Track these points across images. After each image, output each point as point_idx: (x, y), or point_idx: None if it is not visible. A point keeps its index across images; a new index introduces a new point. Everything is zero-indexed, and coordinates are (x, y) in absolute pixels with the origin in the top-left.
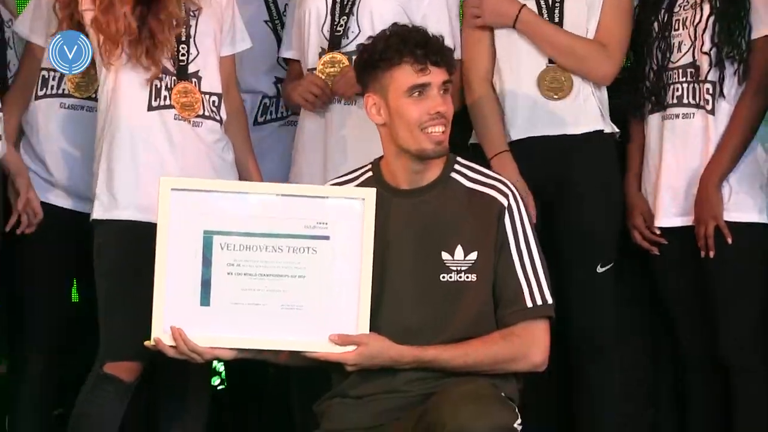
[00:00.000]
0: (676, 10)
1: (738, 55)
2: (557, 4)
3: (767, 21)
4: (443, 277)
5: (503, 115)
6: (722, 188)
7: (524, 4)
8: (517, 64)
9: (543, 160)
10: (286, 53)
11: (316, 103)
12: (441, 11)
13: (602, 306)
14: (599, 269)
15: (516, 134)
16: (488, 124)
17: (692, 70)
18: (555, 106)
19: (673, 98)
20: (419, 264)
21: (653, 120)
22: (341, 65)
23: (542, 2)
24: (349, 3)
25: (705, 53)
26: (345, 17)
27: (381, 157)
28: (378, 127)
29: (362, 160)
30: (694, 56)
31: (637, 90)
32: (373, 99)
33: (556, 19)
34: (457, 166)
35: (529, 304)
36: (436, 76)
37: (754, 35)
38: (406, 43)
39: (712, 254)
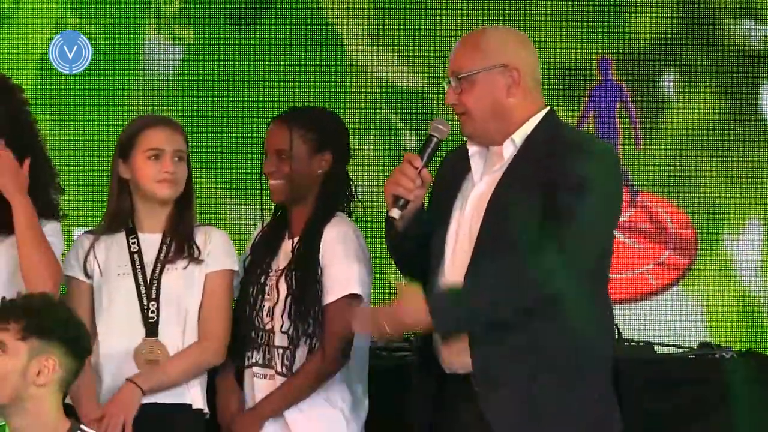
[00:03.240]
0: (269, 274)
1: (313, 327)
2: (155, 281)
3: (330, 289)
4: None
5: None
6: None
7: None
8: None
9: None
10: None
11: None
12: None
13: None
14: None
15: None
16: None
17: (276, 337)
18: None
19: (264, 360)
20: None
21: (248, 374)
22: None
23: (140, 279)
24: None
25: (284, 332)
26: None
27: None
28: None
29: None
30: (274, 326)
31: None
32: None
33: (154, 295)
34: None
35: None
36: None
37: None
38: None
39: None
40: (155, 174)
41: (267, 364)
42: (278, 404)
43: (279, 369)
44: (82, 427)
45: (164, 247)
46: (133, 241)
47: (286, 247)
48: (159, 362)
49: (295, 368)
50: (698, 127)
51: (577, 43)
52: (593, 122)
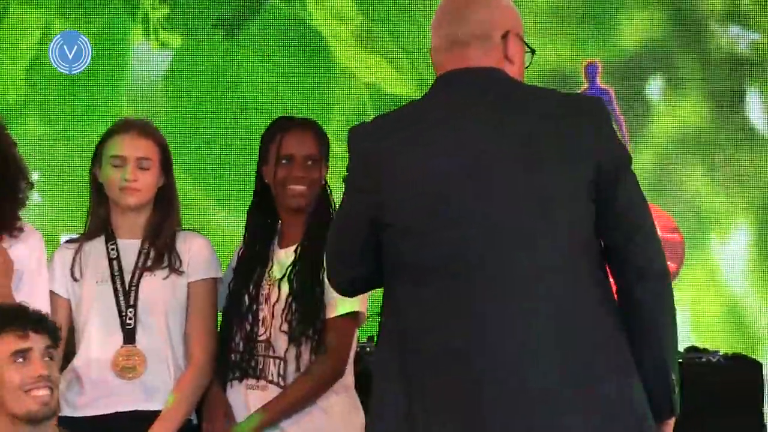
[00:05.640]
0: (262, 284)
1: (313, 333)
2: (133, 287)
3: (333, 304)
4: None
5: None
6: None
7: None
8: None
9: None
10: None
11: None
12: None
13: None
14: None
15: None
16: None
17: (272, 345)
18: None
19: (256, 371)
20: None
21: (238, 388)
22: None
23: (118, 286)
24: None
25: (283, 332)
26: None
27: None
28: None
29: None
30: (271, 333)
31: (225, 360)
32: None
33: (131, 302)
34: None
35: None
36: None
37: (328, 315)
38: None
39: None
40: (118, 182)
41: (260, 375)
42: (274, 414)
43: (274, 379)
44: None
45: (143, 254)
46: (111, 247)
47: (280, 256)
48: (135, 369)
49: (288, 377)
50: (685, 132)
51: (565, 48)
52: None
